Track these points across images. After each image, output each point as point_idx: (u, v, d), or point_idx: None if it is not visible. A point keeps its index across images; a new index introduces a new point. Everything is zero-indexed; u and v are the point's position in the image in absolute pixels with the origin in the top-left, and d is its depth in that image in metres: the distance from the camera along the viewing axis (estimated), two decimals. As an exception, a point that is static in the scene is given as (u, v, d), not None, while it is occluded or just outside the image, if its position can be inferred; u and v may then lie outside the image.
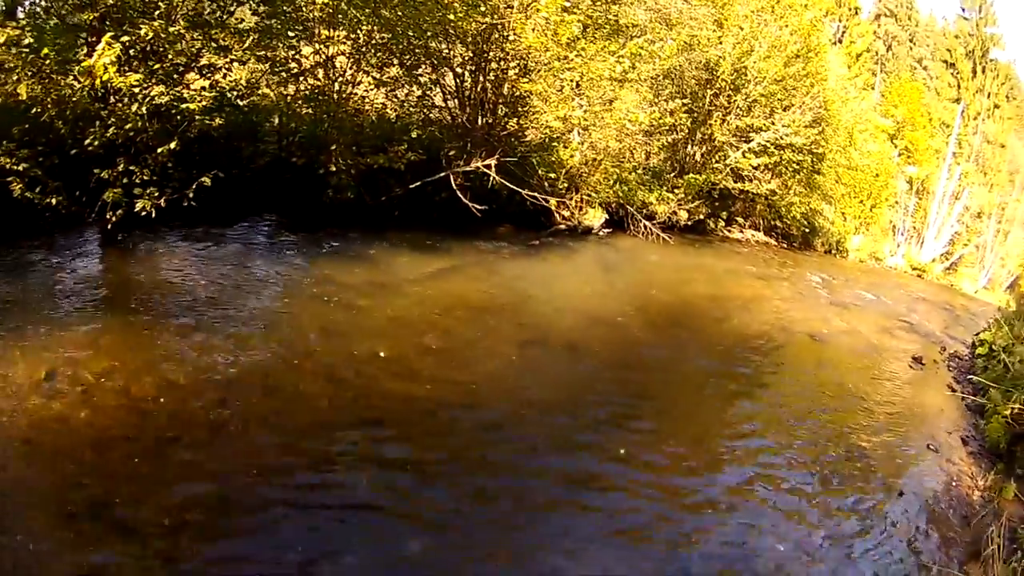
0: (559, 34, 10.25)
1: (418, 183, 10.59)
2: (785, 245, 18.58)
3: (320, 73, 10.16)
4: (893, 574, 4.71)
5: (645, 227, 14.03)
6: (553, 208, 12.16)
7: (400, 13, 9.79)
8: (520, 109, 11.85)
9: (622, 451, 5.51)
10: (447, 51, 11.03)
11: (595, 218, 13.50)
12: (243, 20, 9.20)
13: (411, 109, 11.58)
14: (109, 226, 7.51)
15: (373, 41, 10.21)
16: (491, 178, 10.79)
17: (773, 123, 15.56)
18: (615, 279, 11.00)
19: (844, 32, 27.32)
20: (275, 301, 7.10)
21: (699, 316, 9.93)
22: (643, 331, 8.63)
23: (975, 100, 25.26)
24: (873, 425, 7.20)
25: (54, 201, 7.04)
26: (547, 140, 12.61)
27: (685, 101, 15.34)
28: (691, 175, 15.39)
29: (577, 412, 6.14)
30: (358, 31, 10.03)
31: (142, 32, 7.43)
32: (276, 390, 5.39)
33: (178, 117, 7.84)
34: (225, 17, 8.75)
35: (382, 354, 6.27)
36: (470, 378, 6.26)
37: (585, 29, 11.07)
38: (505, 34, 10.60)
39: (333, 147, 9.78)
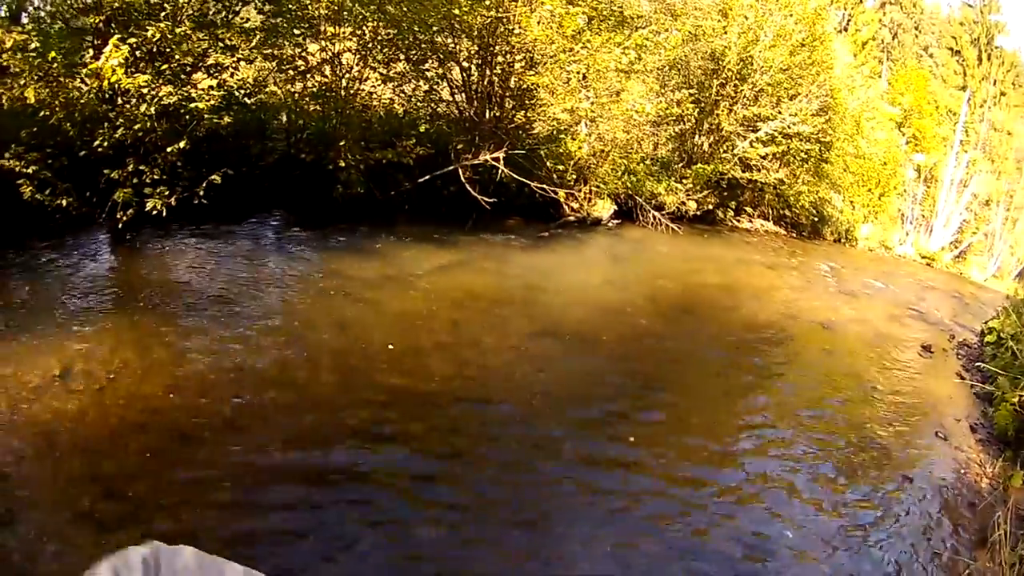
0: (564, 26, 10.23)
1: (427, 177, 10.58)
2: (794, 234, 18.36)
3: (327, 70, 10.10)
4: (902, 561, 4.67)
5: (654, 218, 13.91)
6: (562, 200, 12.20)
7: (405, 9, 9.78)
8: (527, 102, 11.80)
9: (632, 439, 5.46)
10: (453, 45, 10.97)
11: (604, 209, 13.37)
12: (248, 19, 9.14)
13: (418, 104, 11.54)
14: (120, 225, 7.47)
15: (379, 37, 10.15)
16: (499, 171, 10.72)
17: (780, 112, 15.33)
18: (625, 270, 10.94)
19: (849, 20, 26.98)
20: (286, 296, 7.05)
21: (709, 306, 9.85)
22: (653, 321, 8.55)
23: (981, 87, 24.91)
24: (882, 413, 7.13)
25: (64, 202, 7.00)
26: (555, 132, 12.52)
27: (692, 91, 15.16)
28: (699, 165, 15.20)
29: (588, 403, 6.06)
30: (363, 27, 9.96)
31: (148, 33, 7.41)
32: (289, 384, 5.35)
33: (186, 116, 7.84)
34: (231, 17, 8.71)
35: (393, 347, 6.22)
36: (481, 370, 6.21)
37: (590, 21, 10.94)
38: (510, 27, 10.54)
39: (342, 143, 9.72)
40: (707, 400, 6.82)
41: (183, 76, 8.03)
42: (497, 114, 11.55)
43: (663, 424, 5.95)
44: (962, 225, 24.73)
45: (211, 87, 7.97)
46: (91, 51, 7.49)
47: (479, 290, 8.26)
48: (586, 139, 13.06)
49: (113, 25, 7.47)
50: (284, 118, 10.50)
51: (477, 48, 11.13)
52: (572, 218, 12.76)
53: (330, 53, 10.02)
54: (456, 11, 9.91)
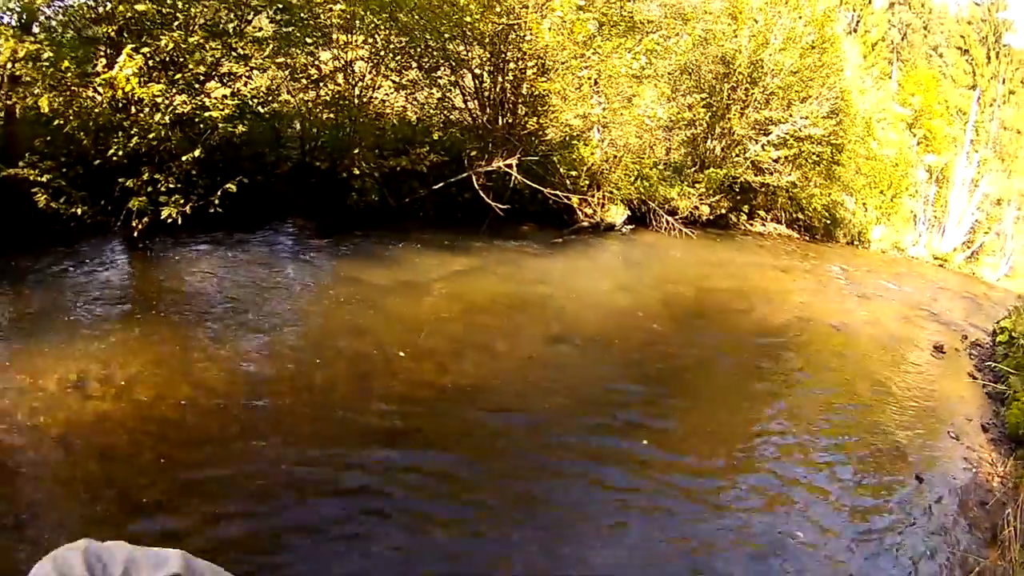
0: (575, 32, 10.17)
1: (441, 184, 10.48)
2: (807, 237, 18.15)
3: (340, 78, 10.00)
4: (914, 559, 4.63)
5: (667, 222, 13.73)
6: (575, 206, 12.11)
7: (416, 17, 9.73)
8: (539, 108, 11.70)
9: (644, 441, 5.42)
10: (465, 53, 10.89)
11: (617, 215, 13.20)
12: (261, 28, 9.06)
13: (431, 111, 11.43)
14: (135, 233, 7.42)
15: (391, 45, 10.08)
16: (513, 177, 10.63)
17: (791, 115, 15.14)
18: (638, 275, 10.84)
19: (859, 22, 26.74)
20: (302, 302, 7.02)
21: (722, 310, 9.78)
22: (667, 326, 8.46)
23: (990, 86, 24.56)
24: (895, 414, 7.06)
25: (79, 210, 6.93)
26: (567, 138, 12.43)
27: (703, 95, 14.98)
28: (712, 169, 15.02)
29: (602, 407, 6.00)
30: (375, 36, 9.88)
31: (162, 43, 7.35)
32: (305, 390, 5.32)
33: (201, 125, 7.76)
34: (243, 26, 8.63)
35: (408, 352, 6.17)
36: (495, 375, 6.15)
37: (600, 27, 10.87)
38: (522, 34, 10.51)
39: (356, 151, 9.61)
40: (720, 403, 6.77)
41: (196, 85, 7.94)
42: (510, 121, 11.45)
43: (676, 428, 5.90)
44: (974, 225, 24.41)
45: (225, 96, 7.85)
46: (103, 60, 7.43)
47: (493, 296, 8.19)
48: (599, 145, 12.91)
49: (125, 34, 7.40)
50: (298, 126, 10.40)
51: (489, 55, 11.06)
52: (586, 224, 12.59)
53: (343, 61, 9.93)
54: (467, 18, 9.89)
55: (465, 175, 10.60)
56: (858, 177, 19.45)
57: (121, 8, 7.19)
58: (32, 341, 5.18)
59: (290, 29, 9.04)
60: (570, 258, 10.80)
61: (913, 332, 10.77)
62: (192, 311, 6.28)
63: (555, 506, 4.52)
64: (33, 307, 5.83)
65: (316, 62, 9.74)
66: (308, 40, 9.34)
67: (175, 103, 7.44)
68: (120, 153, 7.21)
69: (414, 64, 10.67)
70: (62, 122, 6.96)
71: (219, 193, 7.61)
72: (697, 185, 14.86)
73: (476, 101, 11.44)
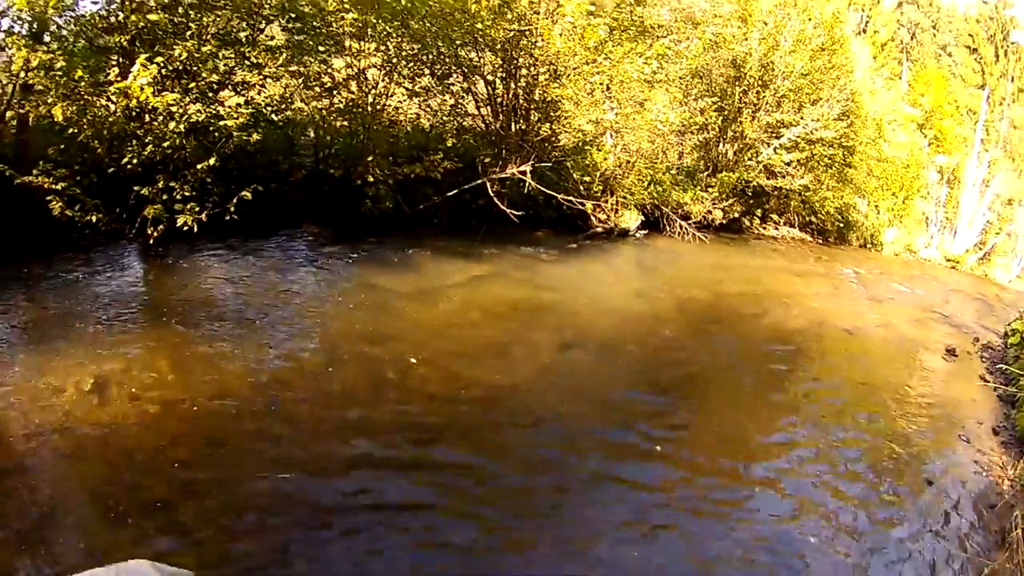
0: (586, 38, 10.03)
1: (455, 191, 10.37)
2: (820, 240, 17.85)
3: (353, 86, 9.89)
4: (923, 562, 4.61)
5: (681, 227, 13.50)
6: (589, 211, 11.98)
7: (428, 24, 9.63)
8: (552, 114, 11.58)
9: (659, 448, 5.39)
10: (477, 59, 10.76)
11: (631, 220, 12.98)
12: (273, 37, 8.96)
13: (445, 118, 11.33)
14: (151, 241, 7.38)
15: (404, 52, 9.97)
16: (527, 184, 10.47)
17: (802, 118, 14.90)
18: (652, 280, 10.68)
19: (868, 22, 26.45)
20: (317, 309, 6.97)
21: (736, 314, 9.65)
22: (681, 330, 8.39)
23: (999, 85, 24.18)
24: (907, 418, 6.97)
25: (94, 218, 6.90)
26: (580, 144, 12.29)
27: (715, 99, 14.79)
28: (724, 173, 14.79)
29: (616, 411, 5.98)
30: (388, 43, 9.77)
31: (175, 52, 7.28)
32: (321, 394, 5.29)
33: (215, 134, 7.70)
34: (256, 35, 8.55)
35: (423, 357, 6.13)
36: (510, 380, 6.10)
37: (611, 32, 10.68)
38: (533, 40, 10.39)
39: (370, 158, 9.51)
40: (733, 408, 6.69)
41: (210, 94, 7.85)
42: (523, 127, 11.31)
43: (689, 436, 5.81)
44: (985, 226, 24.02)
45: (239, 104, 7.75)
46: (116, 70, 7.36)
47: (508, 301, 8.13)
48: (612, 150, 12.74)
49: (138, 44, 7.35)
50: (312, 134, 10.33)
51: (501, 61, 10.92)
52: (600, 229, 12.41)
53: (356, 69, 9.82)
54: (479, 25, 9.78)
55: (479, 182, 10.46)
56: (870, 179, 19.14)
57: (134, 18, 7.15)
58: (50, 347, 5.20)
59: (302, 38, 8.97)
60: (584, 263, 10.68)
61: (925, 335, 10.60)
62: (207, 317, 6.26)
63: (569, 508, 4.49)
64: (50, 313, 5.82)
65: (329, 70, 9.65)
66: (321, 48, 9.26)
67: (189, 112, 7.37)
68: (135, 161, 7.15)
69: (427, 71, 10.56)
70: (76, 131, 6.92)
71: (235, 201, 7.54)
72: (710, 189, 14.61)
73: (489, 107, 11.30)
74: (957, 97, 24.12)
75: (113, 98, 7.09)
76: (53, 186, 6.60)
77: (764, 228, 16.70)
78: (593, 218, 12.32)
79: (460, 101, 11.23)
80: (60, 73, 6.64)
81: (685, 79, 14.16)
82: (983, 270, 22.76)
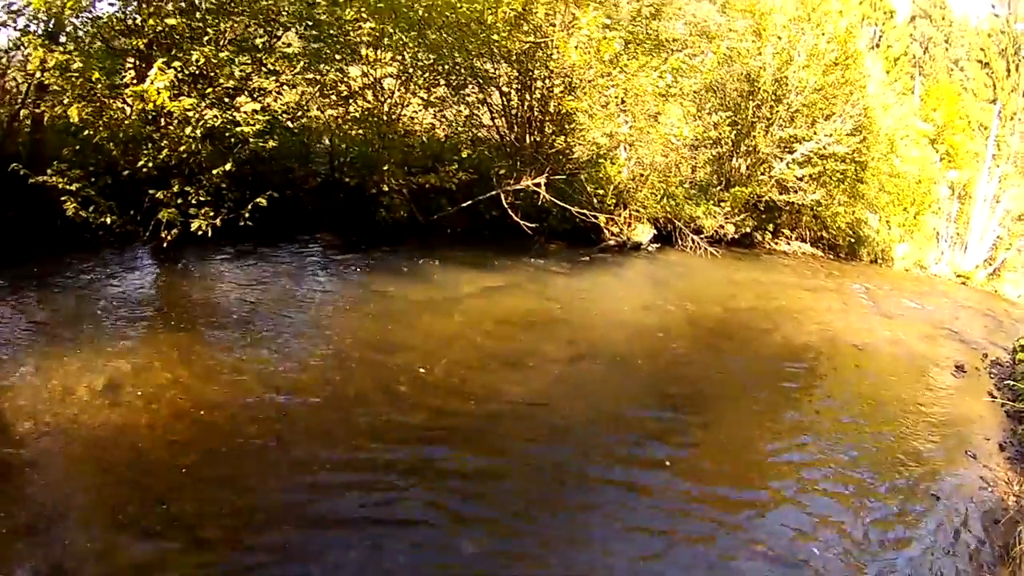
0: (601, 51, 9.90)
1: (469, 202, 10.27)
2: (832, 256, 17.66)
3: (369, 95, 9.82)
4: None
5: (693, 241, 13.32)
6: (602, 224, 11.86)
7: (445, 35, 9.57)
8: (567, 126, 11.48)
9: (667, 462, 5.36)
10: (493, 71, 10.71)
11: (644, 233, 12.82)
12: (290, 45, 8.92)
13: (460, 129, 11.20)
14: (164, 244, 7.29)
15: (419, 62, 9.89)
16: (541, 196, 10.36)
17: (815, 133, 14.74)
18: (663, 294, 10.54)
19: (881, 37, 26.31)
20: (330, 317, 6.93)
21: (746, 329, 9.55)
22: (691, 345, 8.30)
23: (1011, 100, 23.87)
24: (914, 433, 6.97)
25: (108, 220, 6.83)
26: (595, 157, 12.19)
27: (728, 114, 14.64)
28: (737, 188, 14.60)
29: (628, 427, 5.93)
30: (404, 53, 9.69)
31: (193, 57, 7.21)
32: (332, 402, 5.29)
33: (231, 139, 7.60)
34: (273, 42, 8.50)
35: (434, 368, 6.12)
36: (521, 392, 6.07)
37: (627, 45, 10.57)
38: (549, 52, 10.33)
39: (384, 167, 9.41)
40: (742, 423, 6.57)
41: (227, 100, 7.77)
42: (537, 139, 11.22)
43: (699, 452, 5.75)
44: (995, 242, 23.74)
45: (255, 111, 7.66)
46: (132, 72, 7.31)
47: (520, 313, 8.08)
48: (625, 163, 12.62)
49: (155, 48, 7.29)
50: (327, 142, 10.28)
51: (516, 73, 10.86)
52: (612, 242, 12.26)
53: (372, 78, 9.75)
54: (495, 36, 9.70)
55: (493, 193, 10.36)
56: (881, 194, 18.94)
57: (152, 22, 7.10)
58: (61, 347, 5.21)
59: (319, 46, 8.90)
60: (596, 276, 10.57)
61: (935, 351, 10.47)
62: (219, 322, 6.26)
63: (578, 522, 4.48)
64: (65, 314, 5.83)
65: (345, 78, 9.57)
66: (337, 57, 9.19)
67: (206, 117, 7.29)
68: (150, 165, 7.08)
69: (442, 81, 10.48)
70: (91, 132, 6.86)
71: (249, 207, 7.46)
72: (723, 204, 14.44)
73: (504, 119, 11.23)
74: (969, 112, 23.86)
75: (129, 101, 7.00)
76: (67, 186, 6.53)
77: (776, 243, 16.49)
78: (606, 231, 12.18)
79: (475, 112, 11.15)
80: (76, 74, 6.57)
81: (699, 93, 13.99)
82: (993, 286, 22.46)
